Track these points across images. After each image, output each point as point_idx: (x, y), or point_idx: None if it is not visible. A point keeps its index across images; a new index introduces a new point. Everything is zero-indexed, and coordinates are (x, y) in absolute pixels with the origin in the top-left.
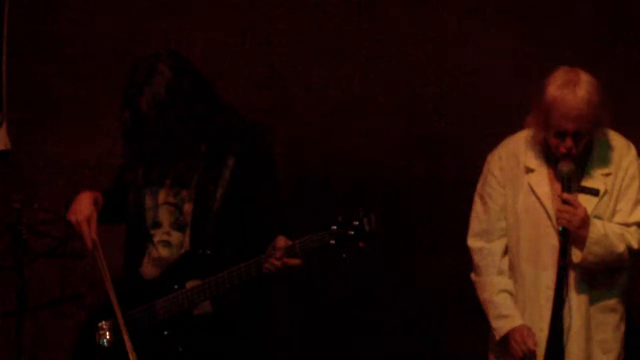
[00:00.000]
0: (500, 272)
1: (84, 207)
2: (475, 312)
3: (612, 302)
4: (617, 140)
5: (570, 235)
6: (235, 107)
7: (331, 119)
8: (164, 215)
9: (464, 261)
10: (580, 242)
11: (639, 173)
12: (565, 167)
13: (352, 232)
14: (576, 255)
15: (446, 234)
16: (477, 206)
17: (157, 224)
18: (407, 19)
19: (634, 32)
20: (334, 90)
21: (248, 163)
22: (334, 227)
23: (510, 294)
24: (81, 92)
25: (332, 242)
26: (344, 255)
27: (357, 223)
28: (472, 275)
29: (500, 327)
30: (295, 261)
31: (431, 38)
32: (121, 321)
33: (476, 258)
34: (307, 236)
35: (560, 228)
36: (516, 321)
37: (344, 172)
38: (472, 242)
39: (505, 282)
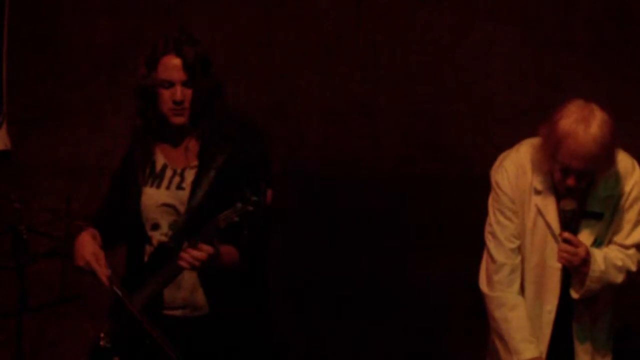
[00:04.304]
0: (519, 292)
1: (86, 247)
2: (474, 313)
3: (606, 309)
4: (621, 159)
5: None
6: (234, 107)
7: (331, 118)
8: (163, 217)
9: (464, 261)
10: (580, 279)
11: None
12: (568, 205)
13: (251, 208)
14: (575, 293)
15: (446, 234)
16: (495, 225)
17: (155, 226)
18: (407, 19)
19: (634, 32)
20: (333, 90)
21: (237, 165)
22: (239, 204)
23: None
24: (81, 93)
25: (236, 219)
26: (245, 232)
27: (255, 199)
28: (485, 289)
29: (524, 350)
30: (208, 249)
31: (431, 38)
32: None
33: (497, 274)
34: (217, 217)
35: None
36: (537, 350)
37: (344, 172)
38: (498, 257)
39: (524, 303)
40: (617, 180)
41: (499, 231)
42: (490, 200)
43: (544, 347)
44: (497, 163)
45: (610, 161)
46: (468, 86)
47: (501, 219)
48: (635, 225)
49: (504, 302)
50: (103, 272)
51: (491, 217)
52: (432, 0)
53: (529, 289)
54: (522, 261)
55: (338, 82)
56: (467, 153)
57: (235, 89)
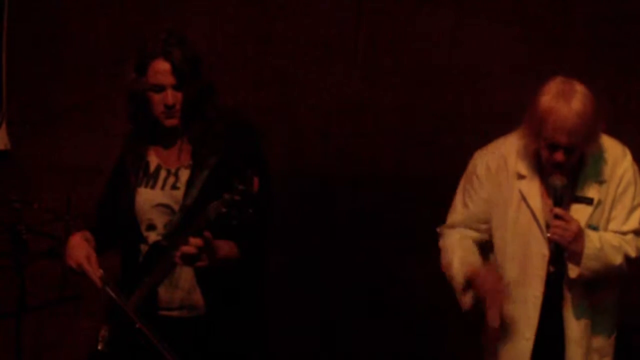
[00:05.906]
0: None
1: (78, 248)
2: (472, 314)
3: (608, 306)
4: (612, 145)
5: (565, 250)
6: (233, 106)
7: (331, 118)
8: (158, 217)
9: None
10: (576, 258)
11: (634, 180)
12: (558, 180)
13: (238, 198)
14: (573, 271)
15: None
16: (457, 202)
17: (151, 227)
18: (406, 18)
19: (634, 32)
20: (333, 90)
21: (230, 163)
22: (226, 195)
23: (475, 252)
24: (81, 93)
25: (224, 210)
26: (234, 222)
27: (242, 187)
28: (442, 263)
29: (457, 273)
30: (197, 241)
31: (431, 38)
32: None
33: (441, 241)
34: (207, 210)
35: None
36: (478, 266)
37: (344, 172)
38: (441, 229)
39: (474, 248)
40: (608, 165)
41: (460, 213)
42: (461, 181)
43: (531, 333)
44: (485, 148)
45: (595, 135)
46: (468, 86)
47: (468, 203)
48: (631, 211)
49: (452, 244)
50: (95, 273)
51: (458, 199)
52: (431, 0)
53: (514, 275)
54: (505, 248)
55: (338, 82)
56: (467, 153)
57: (235, 88)
